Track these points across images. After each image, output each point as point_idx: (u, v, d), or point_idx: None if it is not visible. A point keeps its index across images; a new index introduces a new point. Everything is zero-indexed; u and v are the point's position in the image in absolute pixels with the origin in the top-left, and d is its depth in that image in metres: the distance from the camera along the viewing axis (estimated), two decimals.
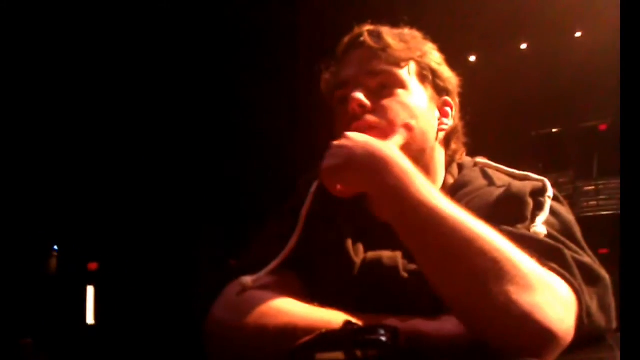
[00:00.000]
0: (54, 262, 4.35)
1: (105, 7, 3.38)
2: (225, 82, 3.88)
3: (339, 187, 0.94)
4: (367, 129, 1.01)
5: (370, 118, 1.02)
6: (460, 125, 1.15)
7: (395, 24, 1.13)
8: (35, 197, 3.97)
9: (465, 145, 1.17)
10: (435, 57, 1.12)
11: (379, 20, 1.13)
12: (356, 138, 0.93)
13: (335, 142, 0.94)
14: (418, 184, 0.85)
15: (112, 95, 3.87)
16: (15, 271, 3.93)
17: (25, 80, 3.62)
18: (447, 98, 1.13)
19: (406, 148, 0.98)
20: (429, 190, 0.85)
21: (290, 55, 3.77)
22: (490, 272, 0.78)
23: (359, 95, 1.02)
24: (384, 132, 1.00)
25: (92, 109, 3.88)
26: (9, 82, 3.54)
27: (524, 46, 3.72)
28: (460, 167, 1.13)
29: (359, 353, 0.76)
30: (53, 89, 3.74)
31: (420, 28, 1.14)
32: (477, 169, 1.11)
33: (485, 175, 1.08)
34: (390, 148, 0.91)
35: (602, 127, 3.44)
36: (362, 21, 1.13)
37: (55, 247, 4.37)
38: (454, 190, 1.06)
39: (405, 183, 0.85)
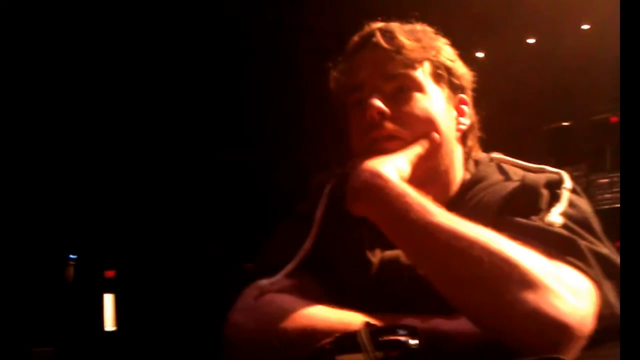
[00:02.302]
0: (71, 271, 4.38)
1: (108, 7, 3.40)
2: (231, 84, 3.89)
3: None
4: (387, 138, 1.01)
5: (389, 126, 1.01)
6: (475, 121, 1.14)
7: (403, 18, 1.10)
8: (52, 206, 4.00)
9: (480, 140, 1.16)
10: (448, 54, 1.09)
11: (387, 15, 1.11)
12: (358, 168, 0.95)
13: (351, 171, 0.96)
14: (410, 204, 0.87)
15: (127, 106, 3.90)
16: (33, 280, 3.96)
17: (40, 92, 3.65)
18: (463, 96, 1.11)
19: (429, 156, 1.01)
20: (423, 207, 0.87)
21: (296, 52, 3.77)
22: (490, 276, 0.79)
23: (378, 103, 1.01)
24: (405, 140, 1.01)
25: (107, 119, 3.91)
26: (21, 94, 3.56)
27: (531, 41, 3.71)
28: (477, 162, 1.13)
29: (379, 354, 0.76)
30: (73, 100, 3.77)
31: (427, 25, 1.12)
32: (493, 164, 1.10)
33: (501, 169, 1.08)
34: (382, 175, 0.92)
35: (614, 119, 3.41)
36: (370, 17, 1.10)
37: (73, 256, 4.40)
38: (470, 186, 1.06)
39: (397, 208, 0.88)
